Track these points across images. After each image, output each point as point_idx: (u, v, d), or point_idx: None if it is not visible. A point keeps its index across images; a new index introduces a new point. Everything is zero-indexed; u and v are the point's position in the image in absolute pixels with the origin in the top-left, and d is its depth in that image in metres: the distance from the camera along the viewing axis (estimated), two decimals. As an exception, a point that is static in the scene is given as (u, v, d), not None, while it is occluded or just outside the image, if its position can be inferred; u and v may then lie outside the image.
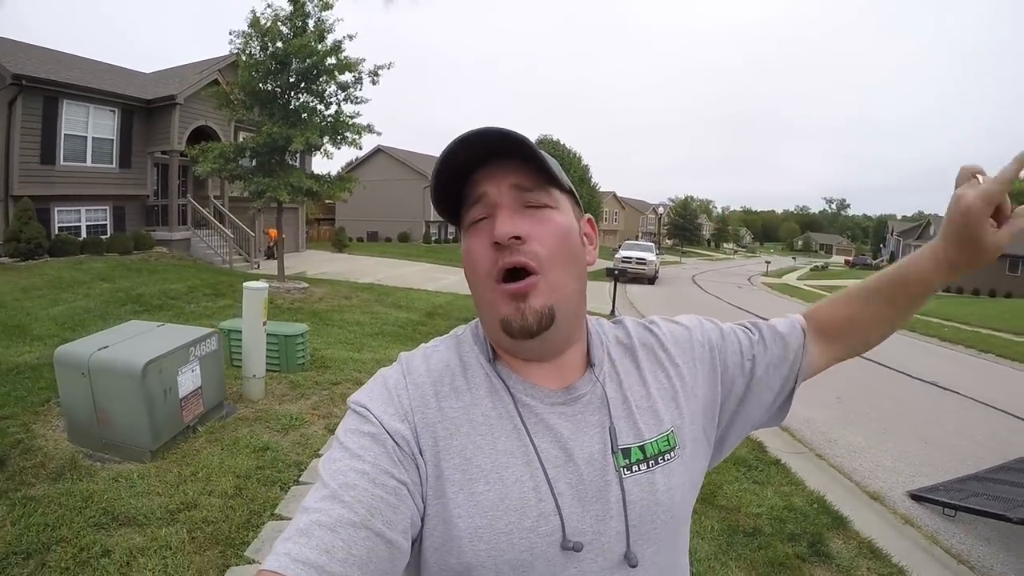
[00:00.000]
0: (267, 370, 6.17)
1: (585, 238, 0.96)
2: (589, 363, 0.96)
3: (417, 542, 0.82)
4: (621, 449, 0.89)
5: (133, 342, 4.51)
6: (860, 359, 9.39)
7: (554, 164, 0.88)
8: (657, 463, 0.91)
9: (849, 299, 1.07)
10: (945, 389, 10.34)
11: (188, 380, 4.65)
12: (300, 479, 4.35)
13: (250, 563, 3.27)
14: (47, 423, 4.84)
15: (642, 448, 0.91)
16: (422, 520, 0.82)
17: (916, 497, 5.59)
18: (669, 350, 1.02)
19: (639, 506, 0.87)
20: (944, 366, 12.62)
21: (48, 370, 6.07)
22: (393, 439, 0.81)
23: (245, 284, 5.78)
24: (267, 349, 6.16)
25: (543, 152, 0.84)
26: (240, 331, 5.97)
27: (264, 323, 5.80)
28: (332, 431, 5.21)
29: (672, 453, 0.93)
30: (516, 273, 0.84)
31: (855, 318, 1.06)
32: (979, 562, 4.61)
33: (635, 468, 0.89)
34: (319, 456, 4.66)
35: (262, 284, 5.80)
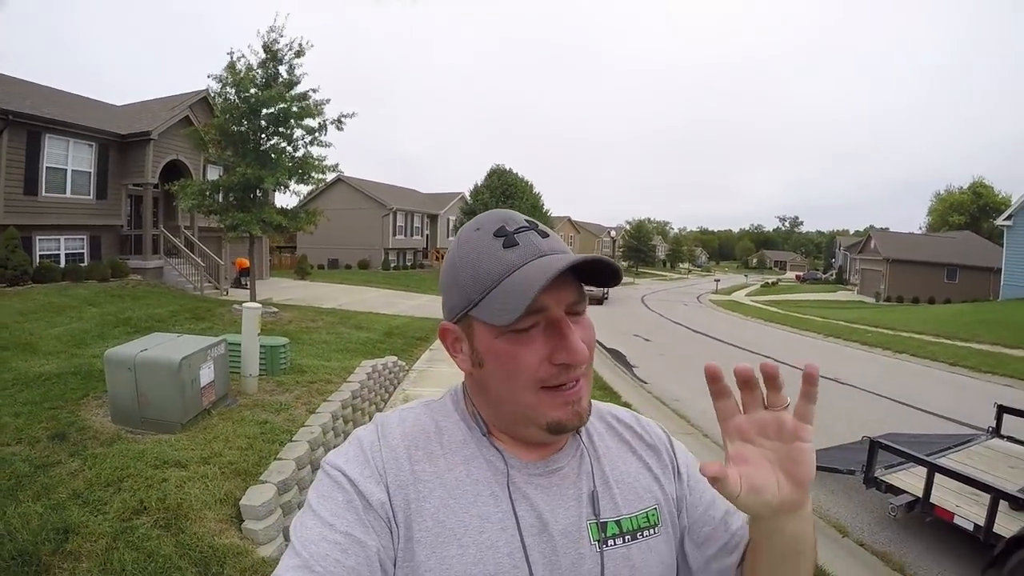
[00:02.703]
0: (258, 372, 7.62)
1: None
2: (572, 434, 0.97)
3: None
4: (599, 523, 0.91)
5: (165, 346, 6.01)
6: (772, 360, 11.53)
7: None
8: (636, 539, 0.93)
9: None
10: (844, 384, 11.86)
11: (206, 374, 6.15)
12: (292, 439, 5.88)
13: (263, 483, 4.83)
14: (89, 411, 6.18)
15: (619, 523, 0.93)
16: None
17: (779, 460, 7.06)
18: (656, 443, 1.06)
19: None
20: (855, 365, 14.28)
21: (71, 377, 7.29)
22: (367, 502, 0.83)
23: (244, 304, 7.46)
24: (259, 356, 7.59)
25: (620, 269, 0.87)
26: (236, 344, 7.39)
27: (258, 333, 7.36)
28: (312, 412, 6.78)
29: (654, 530, 0.95)
30: None
31: None
32: (819, 505, 6.09)
33: (611, 543, 0.91)
34: (305, 427, 6.27)
35: (257, 305, 7.46)
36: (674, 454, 1.07)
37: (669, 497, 1.01)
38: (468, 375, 0.96)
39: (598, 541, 0.90)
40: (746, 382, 0.78)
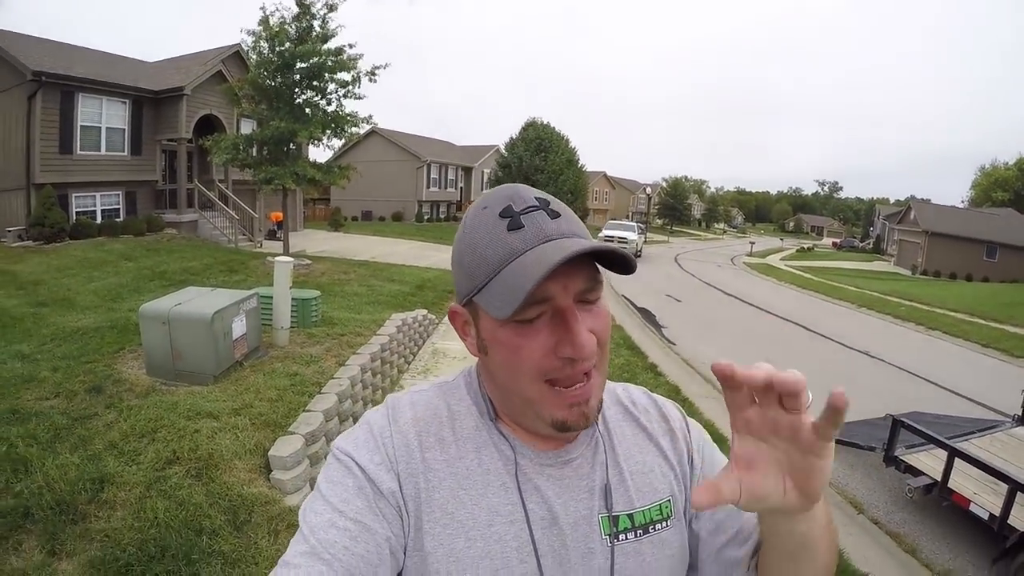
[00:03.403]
0: (290, 325, 7.73)
1: None
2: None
3: None
4: (610, 516, 0.89)
5: (198, 300, 6.14)
6: (803, 328, 11.28)
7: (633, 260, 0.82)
8: (647, 532, 0.91)
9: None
10: (873, 357, 11.82)
11: (238, 327, 6.28)
12: (321, 391, 6.03)
13: (291, 434, 4.99)
14: (125, 364, 6.34)
15: (631, 516, 0.91)
16: (400, 573, 0.83)
17: (801, 431, 7.03)
18: (672, 427, 1.02)
19: None
20: (886, 339, 14.12)
21: (108, 331, 7.48)
22: (377, 490, 0.82)
23: (276, 258, 7.61)
24: (290, 309, 7.70)
25: (633, 260, 0.82)
26: (268, 296, 7.50)
27: (290, 286, 7.48)
28: (341, 365, 6.90)
29: (666, 523, 0.93)
30: None
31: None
32: (837, 480, 6.11)
33: (622, 537, 0.89)
34: (334, 379, 6.39)
35: (288, 258, 7.60)
36: (689, 437, 1.03)
37: (682, 485, 0.98)
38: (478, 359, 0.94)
39: (609, 535, 0.88)
40: (760, 387, 0.66)
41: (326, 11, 15.26)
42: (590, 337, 0.80)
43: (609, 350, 0.88)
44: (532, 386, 0.83)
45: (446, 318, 9.17)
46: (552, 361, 0.81)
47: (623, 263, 0.81)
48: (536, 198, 0.85)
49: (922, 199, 56.74)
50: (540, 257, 0.77)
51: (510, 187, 0.88)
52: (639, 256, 32.17)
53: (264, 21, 15.05)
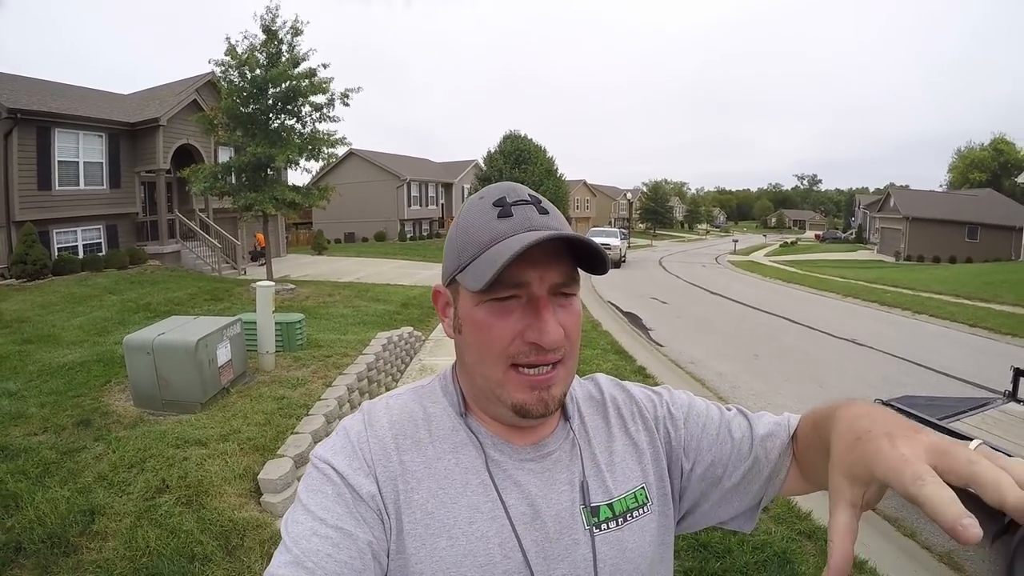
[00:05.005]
0: (275, 349, 7.75)
1: None
2: (562, 418, 0.98)
3: None
4: (591, 507, 0.91)
5: (182, 329, 6.17)
6: (790, 322, 11.22)
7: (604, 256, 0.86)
8: (626, 520, 0.92)
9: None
10: (861, 345, 11.81)
11: (223, 354, 6.30)
12: (308, 413, 6.05)
13: (280, 457, 4.99)
14: (112, 397, 6.36)
15: (611, 506, 0.92)
16: None
17: (791, 427, 7.08)
18: (641, 408, 1.04)
19: (609, 565, 0.88)
20: (873, 326, 14.10)
21: (94, 365, 7.49)
22: (357, 495, 0.83)
23: (257, 283, 7.63)
24: (274, 333, 7.71)
25: (605, 253, 0.85)
26: (252, 322, 7.54)
27: (273, 311, 7.51)
28: (329, 386, 6.90)
29: (643, 509, 0.95)
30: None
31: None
32: None
33: (604, 526, 0.90)
34: (321, 400, 6.40)
35: (270, 283, 7.65)
36: (659, 409, 1.04)
37: (660, 464, 1.00)
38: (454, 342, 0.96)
39: (592, 526, 0.89)
40: None
41: (292, 35, 15.33)
42: (558, 329, 0.83)
43: (578, 346, 0.92)
44: (497, 367, 0.85)
45: (433, 335, 9.12)
46: (519, 345, 0.84)
47: (598, 261, 0.85)
48: (529, 195, 0.89)
49: (901, 186, 57.26)
50: (522, 239, 0.80)
51: (507, 183, 0.92)
52: (624, 261, 32.31)
53: (231, 50, 15.10)
